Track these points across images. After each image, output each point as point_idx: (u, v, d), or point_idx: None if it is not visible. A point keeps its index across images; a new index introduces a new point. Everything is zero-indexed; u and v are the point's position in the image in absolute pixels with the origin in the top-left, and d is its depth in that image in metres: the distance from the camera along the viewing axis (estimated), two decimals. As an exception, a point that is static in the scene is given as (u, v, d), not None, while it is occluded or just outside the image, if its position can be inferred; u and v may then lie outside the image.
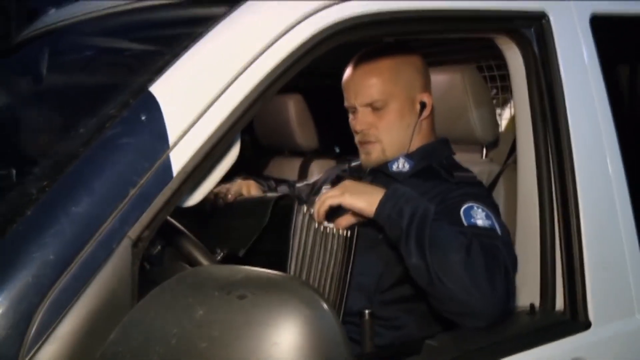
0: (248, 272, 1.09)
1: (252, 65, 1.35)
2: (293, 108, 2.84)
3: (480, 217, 1.77)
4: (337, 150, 3.23)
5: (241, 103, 1.32)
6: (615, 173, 1.82)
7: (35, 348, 1.08)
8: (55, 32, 2.10)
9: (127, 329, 1.05)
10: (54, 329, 1.10)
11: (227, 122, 1.31)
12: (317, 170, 2.76)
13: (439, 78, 2.25)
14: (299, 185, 2.30)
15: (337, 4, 1.47)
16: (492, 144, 2.27)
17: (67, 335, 1.10)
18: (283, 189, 2.29)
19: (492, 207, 1.84)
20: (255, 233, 1.73)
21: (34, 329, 1.09)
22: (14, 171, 1.39)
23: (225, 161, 1.39)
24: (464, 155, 2.24)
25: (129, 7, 1.83)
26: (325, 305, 1.03)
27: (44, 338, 1.09)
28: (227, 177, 2.09)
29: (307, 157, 2.90)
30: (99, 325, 1.11)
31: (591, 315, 1.69)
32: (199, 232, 1.80)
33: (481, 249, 1.65)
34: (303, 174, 2.82)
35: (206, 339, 1.00)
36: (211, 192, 1.98)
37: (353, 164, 2.13)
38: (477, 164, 2.22)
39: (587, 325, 1.68)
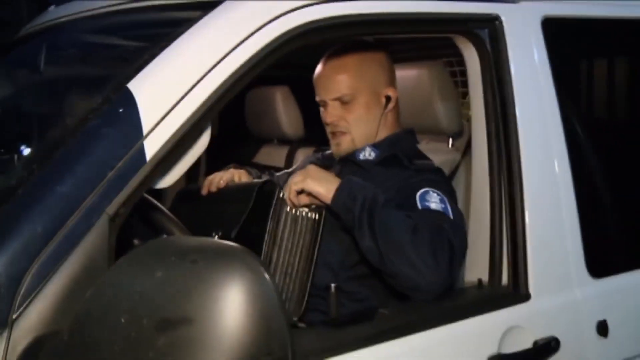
0: (202, 241, 1.21)
1: (220, 65, 1.45)
2: (281, 99, 2.90)
3: (434, 201, 1.87)
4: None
5: (208, 99, 1.43)
6: (559, 163, 1.89)
7: (24, 305, 1.20)
8: (53, 29, 2.17)
9: (101, 289, 1.15)
10: (41, 289, 1.21)
11: (196, 115, 1.41)
12: (302, 158, 2.79)
13: (408, 73, 2.33)
14: (278, 174, 2.39)
15: (303, 7, 1.56)
16: (458, 134, 2.34)
17: (51, 295, 1.21)
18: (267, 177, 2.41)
19: (447, 192, 1.93)
20: (242, 216, 1.84)
21: (23, 290, 1.20)
22: (9, 155, 1.50)
23: (195, 149, 1.48)
24: (432, 145, 2.34)
25: (118, 8, 1.91)
26: (266, 274, 1.12)
27: (31, 297, 1.20)
28: (222, 166, 2.24)
29: (294, 145, 2.94)
30: (79, 286, 1.22)
31: (531, 289, 1.78)
32: (197, 216, 1.91)
33: (428, 230, 1.75)
34: (289, 160, 2.87)
35: (163, 295, 1.11)
36: (207, 179, 2.14)
37: (327, 152, 2.22)
38: (443, 152, 2.30)
39: (527, 297, 1.78)
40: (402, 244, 1.74)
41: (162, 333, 1.09)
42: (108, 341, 1.12)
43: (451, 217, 1.85)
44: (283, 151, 2.97)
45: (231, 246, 1.17)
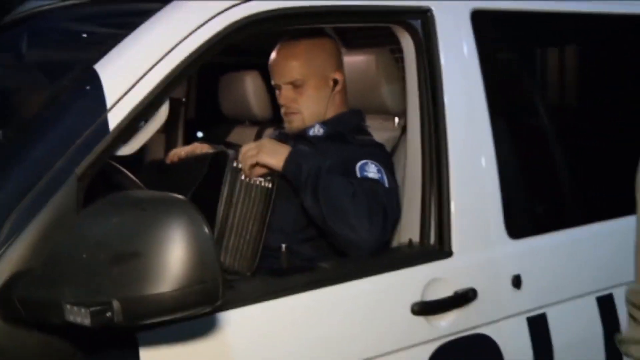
0: (151, 193, 1.35)
1: (174, 50, 1.56)
2: (251, 83, 2.96)
3: (371, 171, 2.01)
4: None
5: (164, 79, 1.53)
6: (482, 139, 2.02)
7: (5, 246, 1.32)
8: (33, 17, 2.24)
9: (68, 233, 1.30)
10: (19, 235, 1.32)
11: (153, 93, 1.52)
12: (267, 136, 2.88)
13: (357, 59, 2.41)
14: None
15: (249, 1, 1.66)
16: (402, 114, 2.32)
17: (27, 239, 1.33)
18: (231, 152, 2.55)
19: (384, 164, 2.07)
20: (196, 182, 1.98)
21: (3, 235, 1.32)
22: None
23: (153, 123, 1.57)
24: (380, 123, 2.44)
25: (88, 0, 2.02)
26: (201, 218, 1.25)
27: (11, 241, 1.32)
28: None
29: (262, 125, 3.01)
30: (51, 232, 1.33)
31: (453, 247, 1.93)
32: (160, 183, 1.99)
33: (365, 195, 1.90)
34: (259, 139, 2.83)
35: (117, 236, 1.24)
36: (170, 151, 2.30)
37: (284, 130, 2.35)
38: (388, 130, 2.39)
39: (450, 253, 1.92)
40: (342, 207, 1.89)
41: (115, 265, 1.22)
42: (73, 273, 1.26)
43: (386, 185, 2.00)
44: (253, 131, 3.03)
45: (174, 197, 1.30)
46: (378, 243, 1.92)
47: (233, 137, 3.14)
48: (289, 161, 1.99)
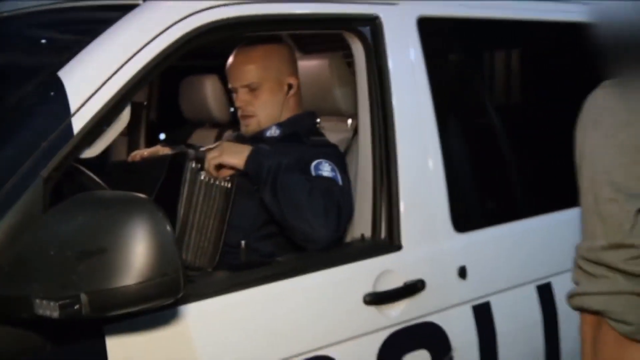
0: (115, 193, 1.39)
1: (135, 57, 1.58)
2: (210, 87, 3.00)
3: (325, 170, 2.07)
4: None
5: (125, 85, 1.55)
6: (429, 140, 2.07)
7: None
8: None
9: (36, 231, 1.33)
10: None
11: (115, 98, 1.54)
12: (227, 138, 2.86)
13: (312, 63, 2.47)
14: (202, 149, 2.49)
15: (207, 9, 1.69)
16: (355, 116, 2.35)
17: None
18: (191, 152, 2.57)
19: (338, 163, 2.13)
20: (157, 183, 1.98)
21: None
22: None
23: (116, 126, 1.59)
24: (334, 124, 2.50)
25: (55, 7, 2.02)
26: (162, 216, 1.30)
27: None
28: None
29: (222, 127, 3.05)
30: (19, 232, 1.34)
31: (403, 241, 1.98)
32: (122, 183, 1.97)
33: (320, 192, 1.96)
34: (218, 140, 2.84)
35: (83, 233, 1.28)
36: (133, 153, 2.32)
37: (241, 131, 2.39)
38: (341, 131, 2.44)
39: (399, 247, 1.97)
40: (299, 203, 1.95)
41: (81, 261, 1.26)
42: (42, 269, 1.29)
43: (340, 183, 2.07)
44: (213, 133, 3.07)
45: (137, 196, 1.34)
46: (333, 237, 1.97)
47: (194, 139, 3.16)
48: (250, 159, 2.04)
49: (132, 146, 3.08)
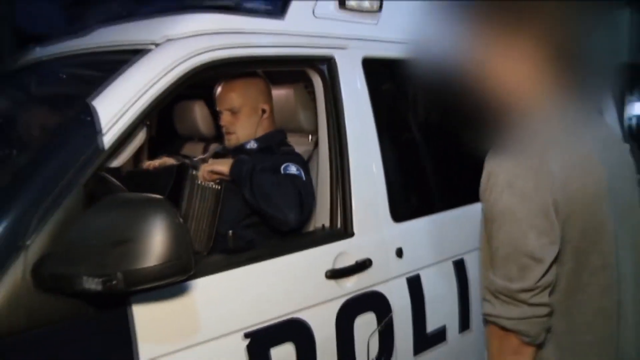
0: (138, 195, 1.41)
1: (149, 89, 1.63)
2: (198, 110, 2.99)
3: (292, 170, 2.14)
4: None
5: (143, 111, 1.60)
6: (373, 151, 2.12)
7: (33, 236, 1.36)
8: (38, 64, 2.26)
9: (78, 226, 1.37)
10: (42, 228, 1.36)
11: (135, 121, 1.59)
12: (213, 149, 2.90)
13: (281, 91, 2.50)
14: (195, 159, 2.56)
15: (201, 54, 1.74)
16: (314, 132, 2.37)
17: (48, 231, 1.38)
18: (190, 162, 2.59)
19: (302, 166, 2.19)
20: (167, 189, 2.03)
21: (31, 227, 1.36)
22: (16, 150, 1.63)
23: (134, 142, 1.63)
24: (299, 139, 2.52)
25: (86, 51, 2.04)
26: (180, 219, 1.34)
27: (36, 232, 1.36)
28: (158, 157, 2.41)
29: (208, 141, 3.04)
30: (65, 226, 1.38)
31: (355, 229, 2.02)
32: (138, 188, 2.03)
33: (285, 185, 2.04)
34: (205, 152, 2.89)
35: (115, 227, 1.31)
36: (145, 163, 2.34)
37: (225, 144, 2.43)
38: (304, 145, 2.46)
39: (352, 234, 2.02)
40: (269, 193, 2.03)
41: (115, 248, 1.31)
42: (85, 255, 1.34)
43: (303, 179, 2.13)
44: (200, 146, 3.07)
45: (156, 197, 1.39)
46: (297, 219, 2.03)
47: (185, 150, 3.16)
48: (233, 167, 2.12)
49: (138, 156, 3.05)
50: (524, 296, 1.21)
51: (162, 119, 3.16)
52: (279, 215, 2.02)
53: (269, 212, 2.04)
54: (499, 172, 1.23)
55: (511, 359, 1.26)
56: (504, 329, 1.24)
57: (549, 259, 1.21)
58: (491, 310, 1.26)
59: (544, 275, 1.21)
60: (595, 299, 1.28)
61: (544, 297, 1.22)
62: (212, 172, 2.14)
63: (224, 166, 2.13)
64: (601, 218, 1.27)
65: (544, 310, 1.23)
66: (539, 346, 1.28)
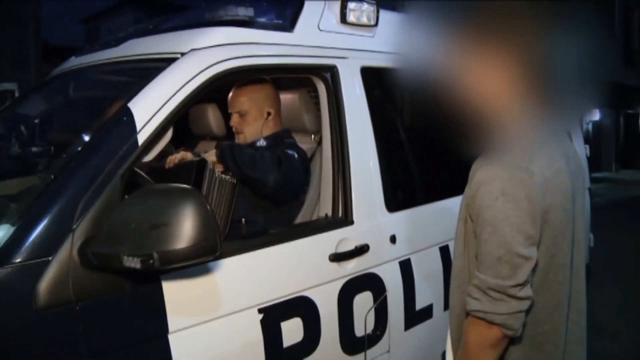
0: (174, 186, 1.44)
1: (177, 94, 1.68)
2: (211, 112, 3.00)
3: (290, 152, 2.19)
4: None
5: (171, 112, 1.64)
6: (370, 149, 2.16)
7: (79, 221, 1.40)
8: (76, 71, 2.28)
9: (119, 211, 1.41)
10: (87, 213, 1.41)
11: (164, 121, 1.63)
12: None
13: (287, 96, 2.53)
14: (206, 154, 2.52)
15: (220, 62, 1.79)
16: (317, 132, 2.48)
17: (92, 215, 1.42)
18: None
19: (298, 152, 2.21)
20: (189, 182, 2.06)
21: (77, 213, 1.41)
22: (64, 148, 1.65)
23: (163, 140, 1.68)
24: (303, 138, 2.54)
25: (120, 59, 2.08)
26: (208, 206, 1.37)
27: (82, 217, 1.41)
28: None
29: (220, 139, 2.97)
30: (106, 211, 1.43)
31: (354, 218, 2.06)
32: (164, 180, 2.04)
33: (266, 155, 2.08)
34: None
35: (152, 212, 1.34)
36: (168, 158, 2.38)
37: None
38: (308, 143, 2.47)
39: (352, 222, 2.06)
40: (250, 160, 2.08)
41: (153, 231, 1.34)
42: (125, 236, 1.37)
43: (290, 154, 2.18)
44: (212, 144, 2.82)
45: (186, 187, 1.41)
46: (276, 181, 2.08)
47: (199, 148, 3.16)
48: (217, 151, 2.20)
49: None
50: (514, 291, 1.23)
51: (179, 120, 3.17)
52: (260, 177, 2.06)
53: (251, 175, 2.07)
54: (493, 181, 1.24)
55: (489, 352, 1.27)
56: (490, 323, 1.24)
57: (535, 256, 1.25)
58: (479, 306, 1.25)
59: (531, 271, 1.25)
60: (555, 293, 1.33)
61: (529, 290, 1.25)
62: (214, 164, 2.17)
63: (213, 156, 2.18)
64: (566, 223, 1.32)
65: (527, 303, 1.25)
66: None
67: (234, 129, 2.42)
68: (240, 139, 2.40)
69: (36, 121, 2.14)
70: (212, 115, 3.07)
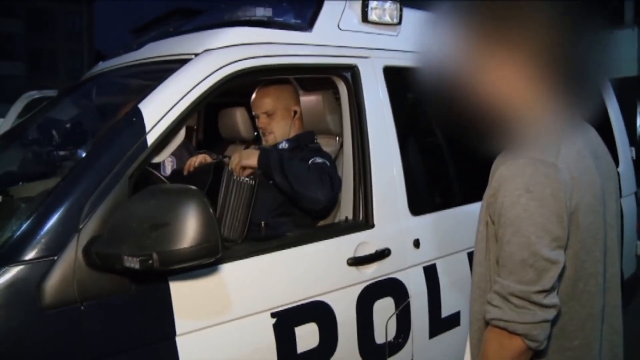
0: (175, 185, 1.45)
1: (188, 94, 1.66)
2: (239, 116, 2.97)
3: (319, 160, 2.16)
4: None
5: (182, 113, 1.64)
6: (392, 150, 2.12)
7: (85, 220, 1.41)
8: (98, 76, 2.35)
9: (122, 211, 1.41)
10: (93, 213, 1.42)
11: (174, 122, 1.62)
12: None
13: (312, 97, 2.50)
14: (225, 159, 2.51)
15: (235, 62, 1.77)
16: (341, 134, 2.34)
17: (98, 215, 1.43)
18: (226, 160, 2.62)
19: (328, 159, 2.20)
20: (207, 183, 2.10)
21: (84, 213, 1.41)
22: (76, 146, 1.69)
23: (174, 141, 1.66)
24: (327, 140, 2.51)
25: (138, 62, 2.11)
26: (206, 201, 1.35)
27: (88, 217, 1.41)
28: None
29: (248, 143, 2.97)
30: (112, 211, 1.44)
31: (375, 221, 2.02)
32: (184, 182, 2.09)
33: (315, 169, 2.06)
34: None
35: (154, 212, 1.35)
36: (187, 162, 2.39)
37: (262, 145, 2.47)
38: (332, 145, 2.45)
39: (372, 226, 2.02)
40: (302, 175, 2.03)
41: (153, 231, 1.34)
42: (127, 236, 1.37)
43: (329, 165, 2.15)
44: (241, 148, 2.94)
45: (189, 187, 1.40)
46: (328, 199, 2.04)
47: (228, 152, 3.14)
48: (260, 157, 2.13)
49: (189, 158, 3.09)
50: (539, 298, 1.13)
51: (208, 124, 3.21)
52: (311, 195, 2.01)
53: (300, 192, 2.03)
54: (516, 177, 1.15)
55: None
56: (512, 333, 1.15)
57: (563, 260, 1.15)
58: (500, 315, 1.15)
59: (558, 277, 1.15)
60: (586, 305, 1.23)
61: (555, 298, 1.15)
62: (243, 167, 2.15)
63: (251, 159, 2.14)
64: (597, 227, 1.22)
65: (554, 313, 1.16)
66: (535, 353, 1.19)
67: (261, 131, 2.41)
68: (269, 140, 2.39)
69: (64, 125, 2.18)
70: (240, 119, 3.06)
